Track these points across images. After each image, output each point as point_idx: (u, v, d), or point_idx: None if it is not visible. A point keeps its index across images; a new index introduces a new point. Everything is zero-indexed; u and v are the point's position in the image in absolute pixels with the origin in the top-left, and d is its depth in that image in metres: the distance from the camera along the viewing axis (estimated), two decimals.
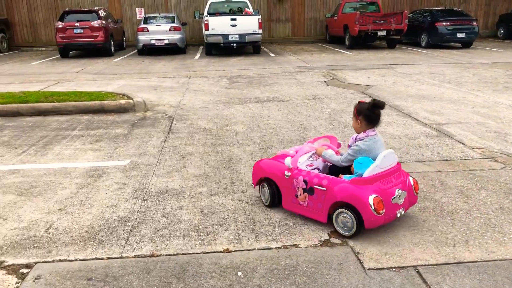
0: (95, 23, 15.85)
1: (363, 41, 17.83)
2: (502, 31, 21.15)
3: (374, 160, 2.97)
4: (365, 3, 19.83)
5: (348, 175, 3.05)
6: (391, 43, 17.84)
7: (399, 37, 17.46)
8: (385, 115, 6.45)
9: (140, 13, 21.50)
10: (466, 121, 5.98)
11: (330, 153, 3.25)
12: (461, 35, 16.86)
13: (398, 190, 2.94)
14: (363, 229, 2.92)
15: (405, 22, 16.81)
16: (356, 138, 3.14)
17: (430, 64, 12.46)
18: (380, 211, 2.81)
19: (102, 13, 16.78)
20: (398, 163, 3.11)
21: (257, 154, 4.79)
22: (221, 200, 3.63)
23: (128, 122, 6.44)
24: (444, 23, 16.92)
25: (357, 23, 16.71)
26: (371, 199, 2.79)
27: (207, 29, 15.64)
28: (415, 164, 4.35)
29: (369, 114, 3.06)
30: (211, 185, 3.97)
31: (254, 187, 3.64)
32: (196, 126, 6.14)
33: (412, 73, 10.64)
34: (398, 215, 2.98)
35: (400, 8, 22.12)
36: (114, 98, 7.37)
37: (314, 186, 3.06)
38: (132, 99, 7.36)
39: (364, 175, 2.91)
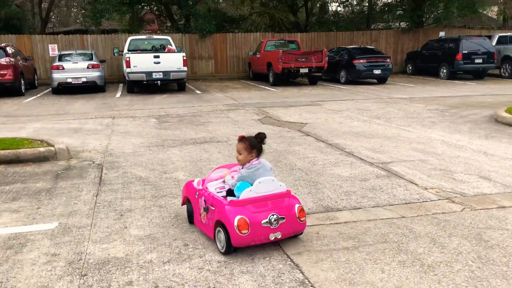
0: (3, 60, 14.55)
1: (286, 78, 18.14)
2: (410, 67, 22.65)
3: None
4: (285, 41, 20.37)
5: (231, 197, 3.41)
6: (312, 80, 18.31)
7: (320, 74, 17.98)
8: (329, 154, 6.30)
9: (53, 50, 20.26)
10: (409, 159, 5.98)
11: (228, 178, 3.55)
12: (377, 71, 17.76)
13: (272, 215, 3.19)
14: (232, 247, 3.20)
15: (325, 60, 17.38)
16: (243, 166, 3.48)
17: (354, 100, 12.81)
18: (243, 231, 3.08)
19: (10, 49, 15.50)
20: (286, 192, 3.37)
21: None
22: (177, 269, 3.11)
23: (50, 173, 5.66)
24: (361, 60, 17.75)
25: (280, 60, 16.96)
26: (236, 219, 3.08)
27: (128, 66, 14.99)
28: (376, 210, 4.14)
29: (260, 147, 3.45)
30: (162, 249, 3.43)
31: (181, 205, 4.06)
32: (131, 175, 5.53)
33: (341, 110, 10.81)
34: (272, 238, 3.22)
35: (316, 47, 23.00)
36: (31, 145, 6.52)
37: (209, 206, 3.39)
38: (52, 145, 6.56)
39: (239, 198, 3.24)
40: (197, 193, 3.62)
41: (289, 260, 3.19)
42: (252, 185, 3.29)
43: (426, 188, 4.73)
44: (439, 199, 4.38)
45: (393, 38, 24.52)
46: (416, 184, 4.88)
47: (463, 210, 4.08)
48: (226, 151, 6.74)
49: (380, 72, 17.81)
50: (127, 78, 15.39)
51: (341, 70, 18.43)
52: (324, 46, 23.02)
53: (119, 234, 3.72)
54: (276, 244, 3.42)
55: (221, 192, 3.57)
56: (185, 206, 3.99)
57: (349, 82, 18.08)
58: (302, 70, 17.34)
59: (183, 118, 10.01)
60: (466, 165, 5.61)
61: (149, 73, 15.10)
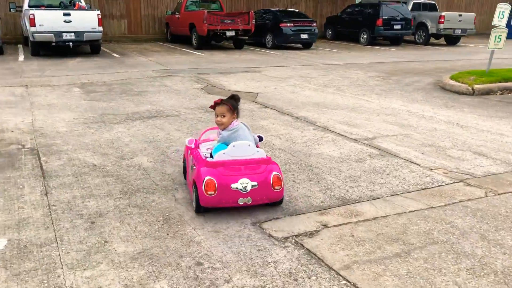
0: None
1: (210, 41, 17.08)
2: (330, 32, 22.64)
3: None
4: (207, 1, 19.10)
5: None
6: (238, 44, 17.47)
7: (246, 37, 17.18)
8: (304, 130, 5.70)
9: None
10: (390, 133, 5.58)
11: (214, 143, 3.54)
12: (304, 36, 17.37)
13: (244, 179, 3.16)
14: (202, 208, 3.24)
15: (252, 22, 16.57)
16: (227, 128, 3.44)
17: (290, 66, 12.29)
18: (209, 192, 3.11)
19: None
20: (264, 158, 3.29)
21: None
22: None
23: None
24: (288, 24, 17.21)
25: (205, 22, 15.84)
26: (204, 179, 3.11)
27: (33, 25, 12.94)
28: (396, 199, 3.64)
29: (238, 107, 3.47)
30: (170, 273, 2.60)
31: (182, 162, 4.12)
32: (79, 162, 4.47)
33: (284, 77, 10.22)
34: (241, 203, 3.19)
35: (237, 8, 22.00)
36: None
37: (193, 165, 3.43)
38: None
39: (213, 159, 3.25)
40: (189, 151, 3.66)
41: (341, 278, 2.56)
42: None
43: (431, 169, 4.33)
44: (453, 182, 3.99)
45: (312, 1, 24.27)
46: (417, 164, 4.46)
47: (487, 195, 3.72)
48: (185, 127, 5.83)
49: (307, 37, 17.45)
50: (31, 38, 13.30)
51: (267, 34, 17.77)
52: (245, 8, 22.11)
53: (102, 253, 2.80)
54: (314, 257, 2.76)
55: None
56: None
57: (275, 46, 17.51)
58: (228, 33, 16.39)
59: (112, 87, 8.74)
60: (452, 140, 5.33)
61: (58, 34, 13.20)
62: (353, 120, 6.28)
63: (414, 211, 3.41)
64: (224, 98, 3.50)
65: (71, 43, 13.41)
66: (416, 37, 21.06)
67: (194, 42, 16.90)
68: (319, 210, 3.41)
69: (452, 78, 9.04)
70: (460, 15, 20.17)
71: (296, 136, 5.43)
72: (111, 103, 7.28)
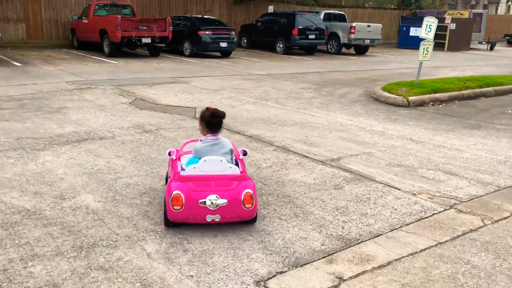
0: None
1: (123, 48, 15.96)
2: (245, 41, 22.46)
3: None
4: (118, 5, 17.87)
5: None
6: (154, 51, 16.53)
7: (163, 45, 16.32)
8: (264, 152, 5.21)
9: None
10: (353, 153, 5.29)
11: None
12: (223, 44, 16.93)
13: (211, 196, 3.07)
14: (171, 222, 3.16)
15: (169, 29, 15.78)
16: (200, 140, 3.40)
17: (217, 76, 11.77)
18: (175, 207, 3.05)
19: None
20: (237, 175, 3.17)
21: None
22: None
23: None
24: (207, 32, 16.65)
25: (119, 28, 14.74)
26: (172, 194, 3.05)
27: None
28: (399, 235, 3.28)
29: (209, 121, 3.32)
30: None
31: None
32: (6, 207, 3.54)
33: (216, 89, 9.67)
34: (209, 220, 3.11)
35: (149, 14, 20.99)
36: None
37: (169, 176, 3.46)
38: None
39: (183, 174, 3.17)
40: (171, 162, 3.60)
41: None
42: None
43: (415, 194, 4.08)
44: (444, 209, 3.75)
45: (226, 9, 23.97)
46: (398, 189, 4.18)
47: (485, 223, 3.52)
48: (125, 152, 5.04)
49: (226, 45, 17.02)
50: None
51: (185, 42, 17.05)
52: (157, 14, 21.19)
53: None
54: None
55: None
56: None
57: (194, 54, 16.85)
58: (144, 40, 15.42)
59: (23, 103, 7.55)
60: (415, 158, 5.18)
61: None
62: (308, 138, 5.92)
63: (425, 249, 3.07)
64: (211, 108, 3.46)
65: None
66: (329, 46, 21.62)
67: (106, 49, 15.66)
68: (325, 257, 2.94)
69: (384, 89, 9.13)
70: (368, 26, 21.09)
71: (258, 160, 4.91)
72: (26, 124, 6.19)
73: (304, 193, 4.00)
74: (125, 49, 16.33)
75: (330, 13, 22.89)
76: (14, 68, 11.86)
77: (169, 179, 3.45)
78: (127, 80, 10.44)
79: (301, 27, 19.38)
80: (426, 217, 3.58)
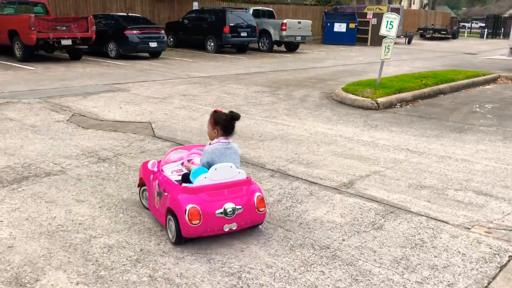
0: None
1: (37, 51, 14.08)
2: (171, 39, 21.11)
3: None
4: (28, 3, 15.74)
5: (187, 183, 3.07)
6: (75, 54, 14.77)
7: (86, 47, 14.63)
8: (262, 179, 4.31)
9: None
10: (362, 173, 4.57)
11: (194, 166, 3.20)
12: (153, 44, 15.60)
13: (228, 205, 2.93)
14: (184, 238, 2.91)
15: (92, 29, 14.16)
16: (209, 144, 3.20)
17: (156, 81, 10.57)
18: (194, 222, 2.83)
19: None
20: (245, 179, 3.07)
21: None
22: None
23: None
24: (135, 31, 15.22)
25: (33, 29, 12.89)
26: (187, 208, 2.83)
27: None
28: None
29: (228, 124, 3.15)
30: None
31: (137, 187, 3.64)
32: None
33: (163, 97, 8.54)
34: (227, 229, 2.95)
35: (63, 13, 18.93)
36: None
37: (161, 190, 3.11)
38: None
39: (193, 185, 2.95)
40: (152, 175, 3.33)
41: None
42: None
43: (467, 228, 3.42)
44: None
45: (148, 6, 22.43)
46: (445, 222, 3.51)
47: None
48: (89, 194, 3.88)
49: (156, 45, 15.70)
50: None
51: (110, 42, 15.47)
52: (73, 12, 19.21)
53: None
54: None
55: (179, 175, 3.28)
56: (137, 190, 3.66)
57: (120, 56, 15.33)
58: (64, 42, 13.67)
59: None
60: (431, 175, 4.58)
61: None
62: (300, 156, 5.10)
63: None
64: (220, 110, 3.27)
65: None
66: (260, 44, 20.99)
67: (18, 53, 13.68)
68: None
69: (346, 91, 8.58)
70: (299, 22, 20.76)
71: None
72: None
73: (343, 240, 3.17)
74: (41, 52, 14.43)
75: (259, 10, 22.27)
76: None
77: (150, 194, 3.31)
78: (54, 90, 8.93)
79: (233, 25, 18.54)
80: (506, 264, 2.92)
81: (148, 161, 3.44)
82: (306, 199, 3.88)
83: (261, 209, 3.05)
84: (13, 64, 12.90)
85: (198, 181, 2.95)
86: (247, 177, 3.11)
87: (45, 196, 3.84)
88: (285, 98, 8.80)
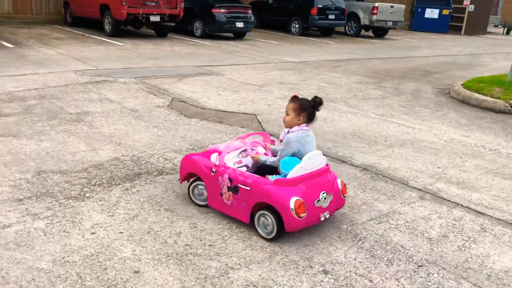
0: None
1: (126, 26, 13.96)
2: (254, 20, 20.41)
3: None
4: None
5: (274, 176, 2.93)
6: (161, 31, 14.54)
7: (173, 24, 14.32)
8: (413, 204, 3.54)
9: None
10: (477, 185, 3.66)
11: (266, 158, 3.12)
12: (239, 24, 15.02)
13: (323, 193, 2.86)
14: (283, 232, 2.79)
15: (180, 6, 13.79)
16: (288, 132, 3.03)
17: (247, 65, 9.97)
18: (301, 215, 2.72)
19: None
20: (327, 165, 3.01)
21: None
22: None
23: None
24: (222, 10, 14.68)
25: (124, 4, 12.70)
26: (292, 201, 2.70)
27: None
28: None
29: (313, 112, 3.02)
30: None
31: (181, 182, 3.40)
32: None
33: (260, 84, 7.91)
34: (322, 218, 2.88)
35: None
36: None
37: (239, 185, 2.94)
38: None
39: (288, 176, 2.81)
40: (214, 169, 3.07)
41: None
42: (295, 157, 2.94)
43: None
44: None
45: None
46: None
47: None
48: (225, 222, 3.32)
49: (243, 26, 15.11)
50: None
51: (196, 21, 15.06)
52: None
53: None
54: None
55: (241, 167, 3.14)
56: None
57: (206, 35, 14.90)
58: (152, 18, 13.42)
59: (28, 104, 5.70)
60: None
61: None
62: (443, 170, 4.27)
63: None
64: (297, 95, 3.08)
65: None
66: (347, 28, 19.83)
67: (107, 28, 13.60)
68: None
69: (470, 89, 7.50)
70: (391, 7, 19.33)
71: (415, 220, 3.25)
72: (43, 143, 4.38)
73: None
74: (128, 27, 14.34)
75: None
76: (6, 50, 9.84)
77: (214, 190, 3.08)
78: (147, 70, 8.58)
79: (321, 6, 17.55)
80: None
81: (192, 154, 3.31)
82: (481, 237, 3.08)
83: (345, 195, 3.05)
84: (103, 39, 12.83)
85: (295, 172, 2.81)
86: (326, 164, 3.02)
87: (162, 202, 3.33)
88: (394, 92, 7.88)
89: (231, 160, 3.15)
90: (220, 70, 8.98)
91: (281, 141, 3.12)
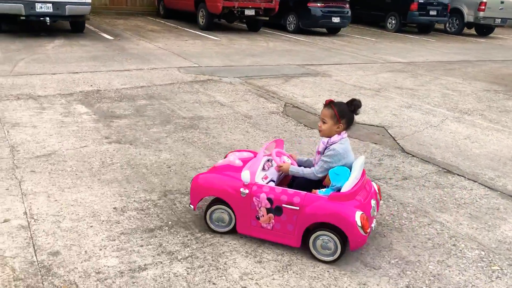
0: None
1: (219, 20, 13.65)
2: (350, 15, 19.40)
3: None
4: None
5: (323, 190, 2.60)
6: (254, 26, 14.08)
7: (267, 18, 13.81)
8: None
9: None
10: None
11: (297, 168, 2.78)
12: (336, 19, 14.21)
13: (373, 201, 2.66)
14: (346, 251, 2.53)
15: (276, 0, 13.21)
16: (328, 142, 2.68)
17: (353, 65, 9.21)
18: (367, 230, 2.47)
19: None
20: (363, 169, 2.70)
21: None
22: None
23: None
24: (318, 4, 13.94)
25: None
26: (358, 217, 2.42)
27: None
28: None
29: (352, 117, 2.72)
30: None
31: (195, 209, 2.86)
32: None
33: (375, 88, 7.13)
34: (369, 230, 2.51)
35: None
36: None
37: (283, 205, 2.55)
38: None
39: (344, 189, 2.50)
40: (245, 190, 2.62)
41: None
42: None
43: None
44: None
45: None
46: None
47: None
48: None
49: (339, 21, 14.30)
50: None
51: (289, 15, 14.46)
52: None
53: None
54: None
55: (268, 182, 2.71)
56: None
57: (299, 30, 14.24)
58: (247, 12, 12.97)
59: (139, 105, 5.38)
60: None
61: (30, 4, 9.41)
62: None
63: None
64: (332, 100, 2.71)
65: (48, 18, 9.64)
66: (448, 25, 18.28)
67: (201, 21, 13.37)
68: None
69: None
70: (502, 2, 17.50)
71: None
72: (163, 155, 3.97)
73: None
74: (222, 21, 14.04)
75: None
76: (107, 42, 9.81)
77: (247, 213, 2.63)
78: (248, 68, 8.10)
79: (422, 1, 16.26)
80: None
81: (205, 173, 2.84)
82: None
83: (379, 198, 2.83)
84: (197, 32, 12.61)
85: (352, 183, 2.52)
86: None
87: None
88: None
89: (258, 176, 2.70)
90: (324, 70, 8.30)
91: (318, 153, 2.74)
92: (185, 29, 13.16)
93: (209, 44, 10.67)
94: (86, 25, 11.28)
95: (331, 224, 2.48)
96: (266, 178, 2.74)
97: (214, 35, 12.13)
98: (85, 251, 2.55)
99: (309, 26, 14.21)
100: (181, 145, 4.23)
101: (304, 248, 2.62)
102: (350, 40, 13.49)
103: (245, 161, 2.86)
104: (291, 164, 2.85)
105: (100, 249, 2.57)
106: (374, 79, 7.87)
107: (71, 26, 10.93)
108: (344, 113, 2.67)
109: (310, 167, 2.79)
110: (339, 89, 6.86)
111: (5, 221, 2.80)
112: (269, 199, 2.59)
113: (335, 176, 2.59)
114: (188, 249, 2.62)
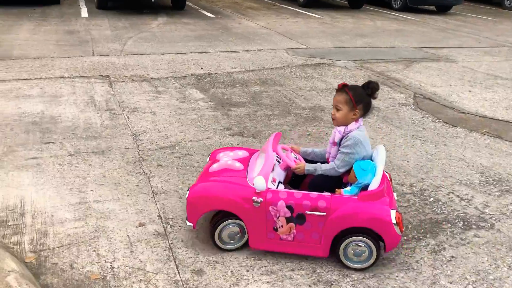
0: None
1: None
2: None
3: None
4: None
5: (347, 188, 2.26)
6: (356, 2, 13.20)
7: None
8: None
9: None
10: None
11: (314, 165, 2.38)
12: None
13: (395, 194, 2.46)
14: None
15: None
16: (344, 131, 2.34)
17: (476, 49, 8.18)
18: (403, 229, 2.36)
19: None
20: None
21: None
22: None
23: None
24: None
25: None
26: (393, 216, 2.16)
27: None
28: None
29: (369, 101, 2.37)
30: None
31: (194, 227, 2.38)
32: None
33: None
34: None
35: None
36: None
37: (306, 212, 2.21)
38: None
39: (372, 186, 2.19)
40: (258, 199, 2.22)
41: None
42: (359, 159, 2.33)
43: None
44: None
45: None
46: None
47: None
48: None
49: None
50: None
51: None
52: None
53: None
54: None
55: (277, 185, 2.30)
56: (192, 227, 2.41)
57: (405, 7, 13.13)
58: None
59: (252, 91, 5.03)
60: None
61: None
62: None
63: None
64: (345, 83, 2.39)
65: None
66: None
67: None
68: None
69: None
70: None
71: None
72: None
73: None
74: None
75: None
76: (208, 20, 9.60)
77: (263, 223, 2.25)
78: (361, 50, 7.45)
79: None
80: None
81: (200, 184, 2.35)
82: None
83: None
84: (297, 9, 12.06)
85: (377, 179, 2.18)
86: None
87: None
88: None
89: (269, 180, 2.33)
90: (446, 54, 7.42)
91: (334, 144, 2.39)
92: (283, 6, 12.65)
93: (312, 22, 10.09)
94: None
95: (368, 227, 2.18)
96: (274, 180, 2.31)
97: (315, 13, 11.51)
98: (231, 272, 2.22)
99: (419, 4, 13.07)
100: (308, 141, 3.81)
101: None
102: (464, 19, 12.20)
103: (244, 163, 2.47)
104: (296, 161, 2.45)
105: (247, 270, 2.23)
106: (507, 66, 6.89)
107: (172, 3, 10.86)
108: (361, 97, 2.35)
109: (315, 161, 2.45)
110: (470, 78, 6.04)
111: (140, 225, 2.56)
112: (288, 207, 2.23)
113: (362, 171, 2.26)
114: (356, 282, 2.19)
